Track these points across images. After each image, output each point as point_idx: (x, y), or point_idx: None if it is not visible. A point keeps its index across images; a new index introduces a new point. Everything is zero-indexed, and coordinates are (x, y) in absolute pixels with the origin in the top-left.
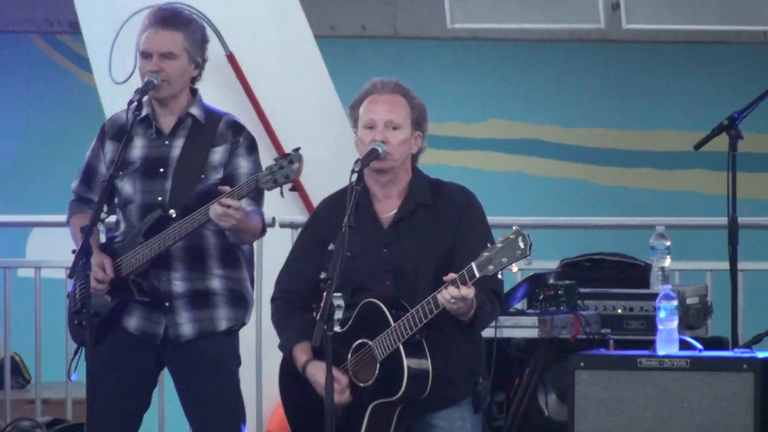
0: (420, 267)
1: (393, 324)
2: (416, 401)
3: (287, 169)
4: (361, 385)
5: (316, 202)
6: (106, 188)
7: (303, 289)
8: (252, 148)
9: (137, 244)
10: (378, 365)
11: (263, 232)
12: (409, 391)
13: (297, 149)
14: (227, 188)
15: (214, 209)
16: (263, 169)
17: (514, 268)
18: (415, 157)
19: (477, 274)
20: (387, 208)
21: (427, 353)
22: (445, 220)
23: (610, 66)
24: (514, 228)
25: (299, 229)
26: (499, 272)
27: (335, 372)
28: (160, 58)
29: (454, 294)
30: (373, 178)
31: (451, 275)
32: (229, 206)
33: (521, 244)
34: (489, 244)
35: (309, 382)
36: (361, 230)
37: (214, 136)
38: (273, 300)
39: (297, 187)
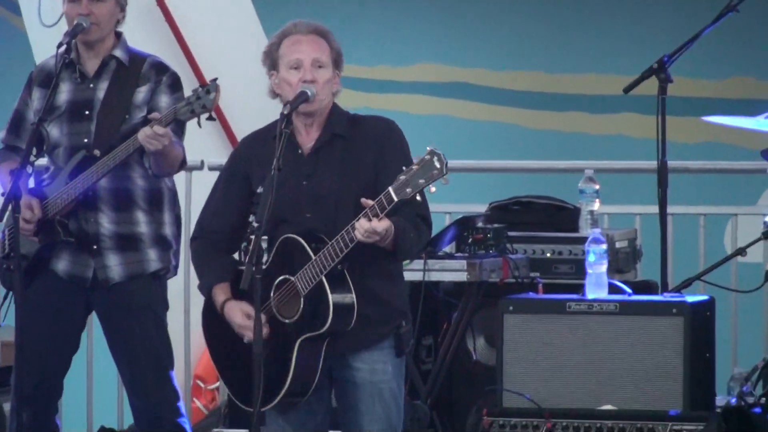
0: (340, 197)
1: (313, 257)
2: (342, 334)
3: (204, 99)
4: (287, 321)
5: None
6: (33, 133)
7: (224, 227)
8: (175, 85)
9: (63, 185)
10: (302, 300)
11: (183, 164)
12: (335, 323)
13: (214, 79)
14: (156, 114)
15: (143, 131)
16: None
17: (432, 188)
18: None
19: (395, 198)
20: (307, 140)
21: (351, 285)
22: (366, 150)
23: (540, 9)
24: (428, 148)
25: None
26: (417, 194)
27: (249, 310)
28: (89, 1)
29: (366, 227)
30: (298, 117)
31: (367, 201)
32: (157, 132)
33: (437, 164)
34: (404, 168)
35: (231, 329)
36: (283, 161)
37: (138, 77)
38: (193, 239)
39: (216, 117)
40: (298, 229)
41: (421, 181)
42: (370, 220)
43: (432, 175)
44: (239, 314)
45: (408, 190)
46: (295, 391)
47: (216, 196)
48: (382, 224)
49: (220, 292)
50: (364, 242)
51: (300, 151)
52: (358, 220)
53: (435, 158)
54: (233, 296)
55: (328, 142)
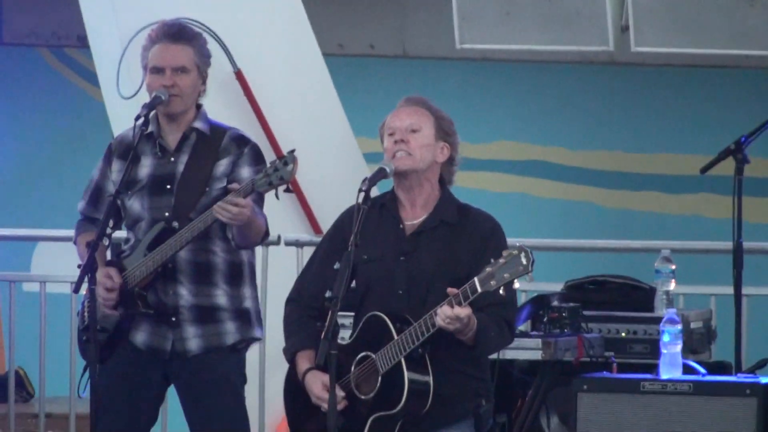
0: (433, 282)
1: (396, 337)
2: (416, 416)
3: (282, 170)
4: (363, 397)
5: (320, 218)
6: (111, 204)
7: (320, 292)
8: (257, 158)
9: (142, 256)
10: (380, 378)
11: (266, 235)
12: (409, 406)
13: (292, 151)
14: (236, 185)
15: (220, 204)
16: None
17: (516, 284)
18: (445, 175)
19: (479, 289)
20: (411, 217)
21: (429, 369)
22: (467, 243)
23: (617, 88)
24: (516, 244)
25: (304, 248)
26: (503, 290)
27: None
28: (173, 72)
29: (447, 314)
30: (397, 183)
31: (452, 289)
32: (236, 204)
33: (524, 260)
34: (492, 260)
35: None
36: (383, 235)
37: (218, 149)
38: (288, 301)
39: (292, 189)
40: (386, 306)
41: (506, 275)
42: (452, 307)
43: (517, 270)
44: (319, 385)
45: (492, 282)
46: None
47: (316, 260)
48: (465, 311)
49: (304, 360)
50: (443, 329)
51: (402, 227)
52: (441, 306)
53: (522, 254)
54: (316, 366)
55: (434, 228)
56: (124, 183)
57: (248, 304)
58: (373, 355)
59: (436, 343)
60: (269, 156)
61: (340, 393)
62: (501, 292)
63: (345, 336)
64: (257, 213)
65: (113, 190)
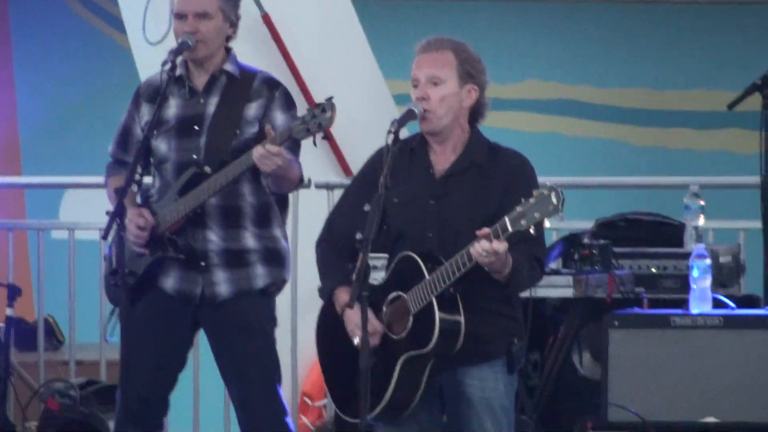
0: (464, 223)
1: (427, 277)
2: (448, 356)
3: (320, 117)
4: (395, 337)
5: (350, 161)
6: (141, 148)
7: (351, 233)
8: (289, 102)
9: (173, 201)
10: (411, 318)
11: (300, 182)
12: (440, 345)
13: (330, 98)
14: (271, 131)
15: (257, 150)
16: None
17: (547, 223)
18: (475, 115)
19: (509, 228)
20: (441, 160)
21: (461, 308)
22: (497, 182)
23: (645, 26)
24: (547, 184)
25: (334, 190)
26: (533, 230)
27: (372, 316)
28: (195, 18)
29: (485, 247)
30: (427, 136)
31: (485, 229)
32: (270, 151)
33: (554, 200)
34: (522, 199)
35: (344, 336)
36: (413, 178)
37: (249, 92)
38: (320, 242)
39: (328, 136)
40: (417, 248)
41: (537, 214)
42: (491, 241)
43: (548, 210)
44: (358, 317)
45: (523, 222)
46: (396, 405)
47: (347, 201)
48: (503, 245)
49: (344, 294)
50: (479, 264)
51: (431, 171)
52: (472, 245)
53: (553, 194)
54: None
55: (464, 170)
56: (152, 125)
57: (278, 245)
58: (405, 295)
59: (468, 284)
60: (299, 99)
61: (377, 324)
62: (531, 230)
63: (379, 278)
64: (292, 161)
65: (141, 134)
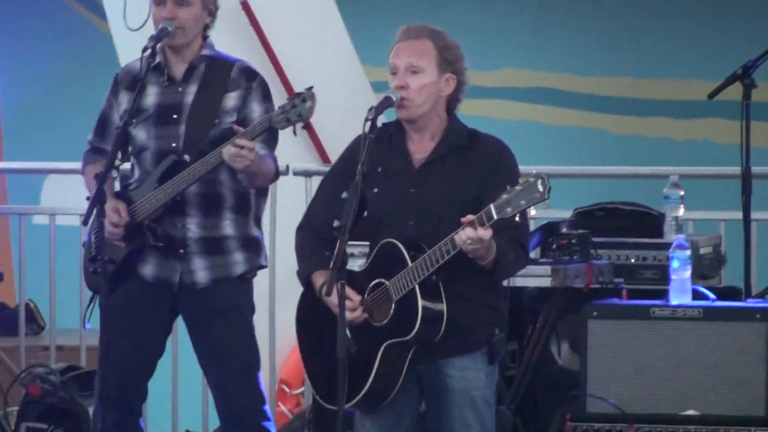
0: (445, 210)
1: (410, 264)
2: (429, 343)
3: (300, 107)
4: (376, 324)
5: (328, 148)
6: (119, 136)
7: (331, 220)
8: (266, 94)
9: (151, 189)
10: (393, 305)
11: (276, 176)
12: (422, 332)
13: (310, 88)
14: (240, 128)
15: (227, 150)
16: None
17: (533, 211)
18: (451, 103)
19: (495, 216)
20: (419, 148)
21: (443, 296)
22: (476, 167)
23: (624, 14)
24: (533, 171)
25: (313, 177)
26: (518, 217)
27: (352, 293)
28: (174, 5)
29: (470, 234)
30: (408, 126)
31: (469, 216)
32: (242, 147)
33: (540, 188)
34: (508, 186)
35: (324, 322)
36: (392, 167)
37: (227, 81)
38: (299, 229)
39: (307, 126)
40: (399, 235)
41: (522, 202)
42: (475, 229)
43: (534, 197)
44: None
45: (508, 209)
46: (376, 393)
47: (326, 188)
48: (488, 233)
49: (320, 277)
50: (464, 252)
51: (410, 159)
52: (457, 233)
53: (539, 182)
54: (325, 295)
55: (443, 156)
56: (131, 113)
57: (255, 232)
58: (387, 282)
59: (450, 272)
60: (277, 87)
61: (356, 296)
62: (517, 219)
63: (356, 266)
64: (266, 156)
65: (120, 120)
